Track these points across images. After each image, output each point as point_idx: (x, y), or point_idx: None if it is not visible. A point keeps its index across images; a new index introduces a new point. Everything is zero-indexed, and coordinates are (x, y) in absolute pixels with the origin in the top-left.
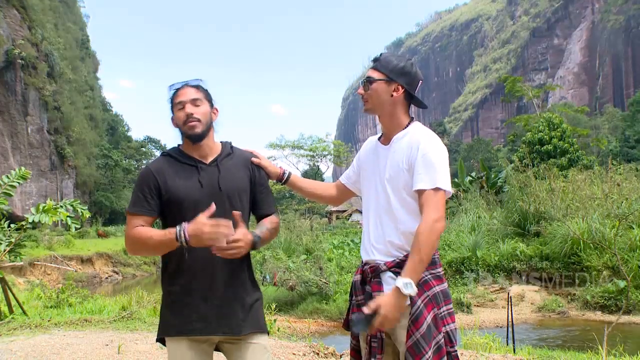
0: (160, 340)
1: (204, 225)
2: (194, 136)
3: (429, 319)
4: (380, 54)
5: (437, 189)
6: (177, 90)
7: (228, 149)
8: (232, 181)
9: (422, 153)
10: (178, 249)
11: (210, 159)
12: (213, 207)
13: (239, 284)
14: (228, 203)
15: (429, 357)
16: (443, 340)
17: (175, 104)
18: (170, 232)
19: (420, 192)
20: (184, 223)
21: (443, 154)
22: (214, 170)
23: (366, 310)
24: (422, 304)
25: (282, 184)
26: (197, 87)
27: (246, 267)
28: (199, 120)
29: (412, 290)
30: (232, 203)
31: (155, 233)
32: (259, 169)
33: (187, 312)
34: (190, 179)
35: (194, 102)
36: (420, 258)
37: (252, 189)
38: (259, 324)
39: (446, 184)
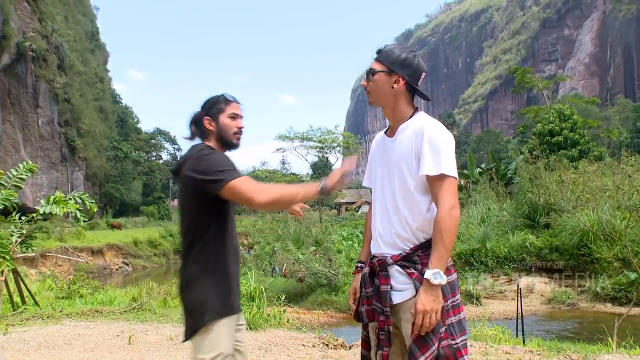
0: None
1: (336, 174)
2: (235, 147)
3: None
4: (385, 46)
5: (443, 176)
6: (231, 102)
7: None
8: None
9: (427, 139)
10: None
11: None
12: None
13: None
14: None
15: (435, 349)
16: (444, 333)
17: (229, 113)
18: (313, 186)
19: (428, 179)
20: (324, 179)
21: (449, 140)
22: None
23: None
24: None
25: None
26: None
27: None
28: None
29: (441, 279)
30: None
31: (297, 188)
32: None
33: (237, 290)
34: None
35: (242, 119)
36: (444, 246)
37: None
38: None
39: (451, 170)
